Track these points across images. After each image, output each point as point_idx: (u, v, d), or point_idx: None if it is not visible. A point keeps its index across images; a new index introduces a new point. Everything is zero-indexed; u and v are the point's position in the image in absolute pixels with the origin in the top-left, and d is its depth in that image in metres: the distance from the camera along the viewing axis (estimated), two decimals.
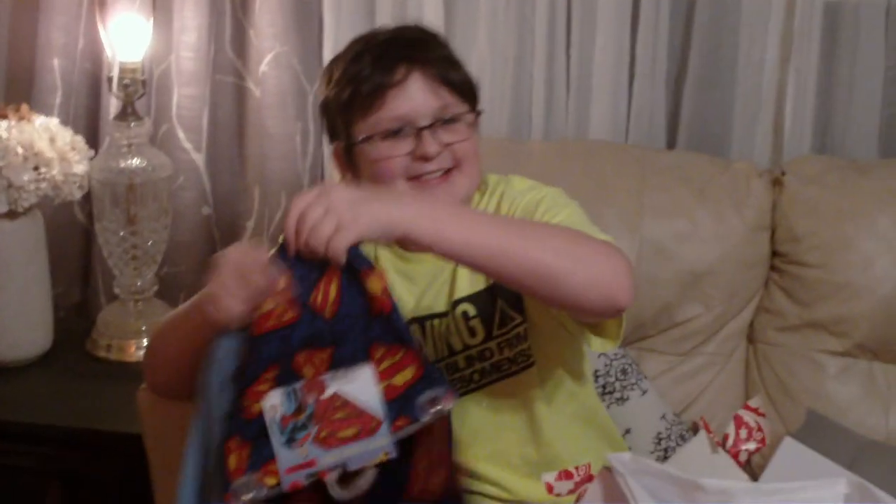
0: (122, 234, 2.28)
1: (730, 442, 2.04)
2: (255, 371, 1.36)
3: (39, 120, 2.22)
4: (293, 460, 1.34)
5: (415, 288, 1.66)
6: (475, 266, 1.43)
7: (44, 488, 2.10)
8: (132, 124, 2.24)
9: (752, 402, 2.09)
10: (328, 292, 1.35)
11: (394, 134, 1.59)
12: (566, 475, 1.61)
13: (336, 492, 1.35)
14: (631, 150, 2.27)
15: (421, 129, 1.58)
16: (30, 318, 2.29)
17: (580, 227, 1.54)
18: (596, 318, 1.52)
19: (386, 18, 2.31)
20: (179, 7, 2.39)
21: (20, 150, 2.11)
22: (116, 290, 2.37)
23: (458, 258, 1.41)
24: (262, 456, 1.34)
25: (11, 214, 2.18)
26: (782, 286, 2.12)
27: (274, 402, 1.35)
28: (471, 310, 1.64)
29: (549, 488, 1.60)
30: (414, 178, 1.60)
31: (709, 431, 2.03)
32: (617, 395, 2.02)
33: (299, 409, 1.35)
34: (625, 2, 2.31)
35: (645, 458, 1.50)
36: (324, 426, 1.34)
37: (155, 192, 2.28)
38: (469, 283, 1.64)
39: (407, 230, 1.35)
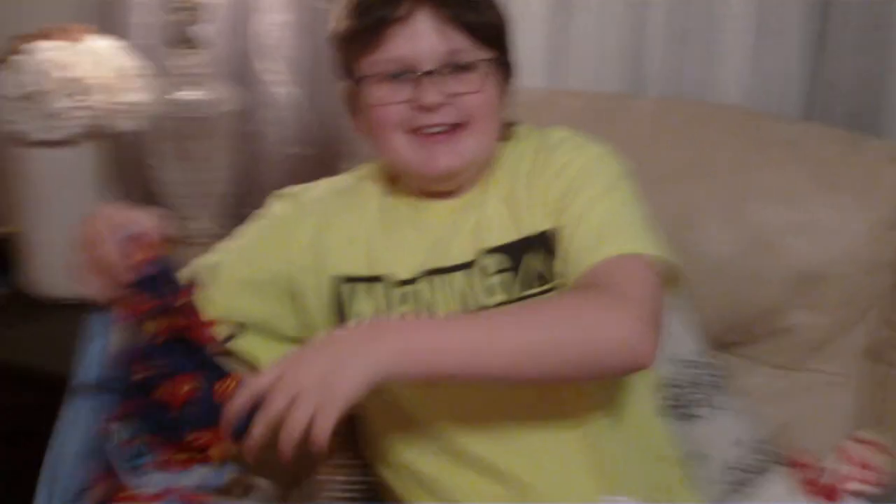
0: (177, 171, 2.11)
1: (828, 478, 1.70)
2: None
3: (91, 42, 2.02)
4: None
5: (424, 239, 1.46)
6: (487, 376, 1.25)
7: None
8: (186, 53, 2.06)
9: (865, 434, 1.73)
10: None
11: (394, 77, 1.39)
12: None
13: None
14: (741, 115, 1.91)
15: (422, 75, 1.37)
16: None
17: (621, 221, 1.37)
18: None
19: None
20: None
21: (56, 75, 1.93)
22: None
23: (465, 377, 1.25)
24: None
25: (50, 144, 1.99)
26: None
27: None
28: (491, 265, 1.41)
29: None
30: (414, 132, 1.40)
31: (798, 466, 1.69)
32: (683, 410, 1.70)
33: None
34: None
35: None
36: None
37: (213, 128, 2.09)
38: (496, 234, 1.43)
39: (397, 374, 1.19)
